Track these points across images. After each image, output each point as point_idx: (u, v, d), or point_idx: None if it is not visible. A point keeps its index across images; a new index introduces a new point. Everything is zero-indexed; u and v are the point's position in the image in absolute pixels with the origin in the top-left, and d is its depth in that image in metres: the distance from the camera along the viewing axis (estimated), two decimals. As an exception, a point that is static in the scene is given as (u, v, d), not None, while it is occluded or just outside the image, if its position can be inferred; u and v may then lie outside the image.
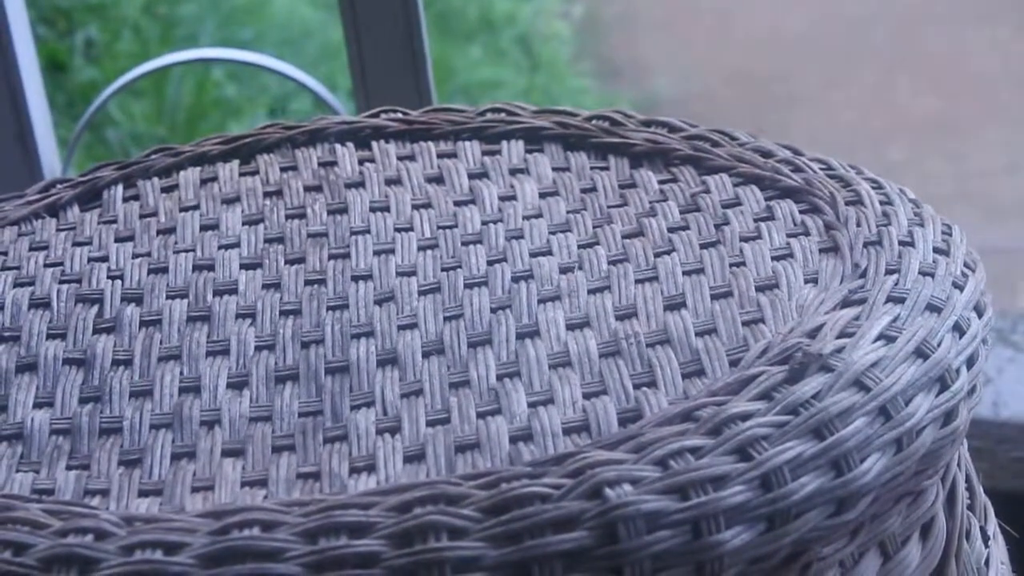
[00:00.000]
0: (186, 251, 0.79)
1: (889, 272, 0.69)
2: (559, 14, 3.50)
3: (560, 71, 3.18)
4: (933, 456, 0.64)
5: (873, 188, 0.77)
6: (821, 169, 0.80)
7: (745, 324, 0.68)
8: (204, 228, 0.81)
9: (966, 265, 0.71)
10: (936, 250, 0.71)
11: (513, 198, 0.81)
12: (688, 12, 3.65)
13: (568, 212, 0.79)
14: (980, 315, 0.69)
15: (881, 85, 3.34)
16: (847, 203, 0.76)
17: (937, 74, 3.40)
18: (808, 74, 3.39)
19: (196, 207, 0.83)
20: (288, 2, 3.11)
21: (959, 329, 0.67)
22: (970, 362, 0.66)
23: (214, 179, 0.86)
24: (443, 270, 0.75)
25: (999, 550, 0.75)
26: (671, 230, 0.76)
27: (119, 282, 0.77)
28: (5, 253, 0.81)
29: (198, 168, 0.88)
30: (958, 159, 3.05)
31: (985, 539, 0.73)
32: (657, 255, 0.74)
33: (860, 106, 3.25)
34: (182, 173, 0.87)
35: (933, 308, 0.67)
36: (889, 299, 0.67)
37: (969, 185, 2.97)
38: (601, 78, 3.22)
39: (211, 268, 0.77)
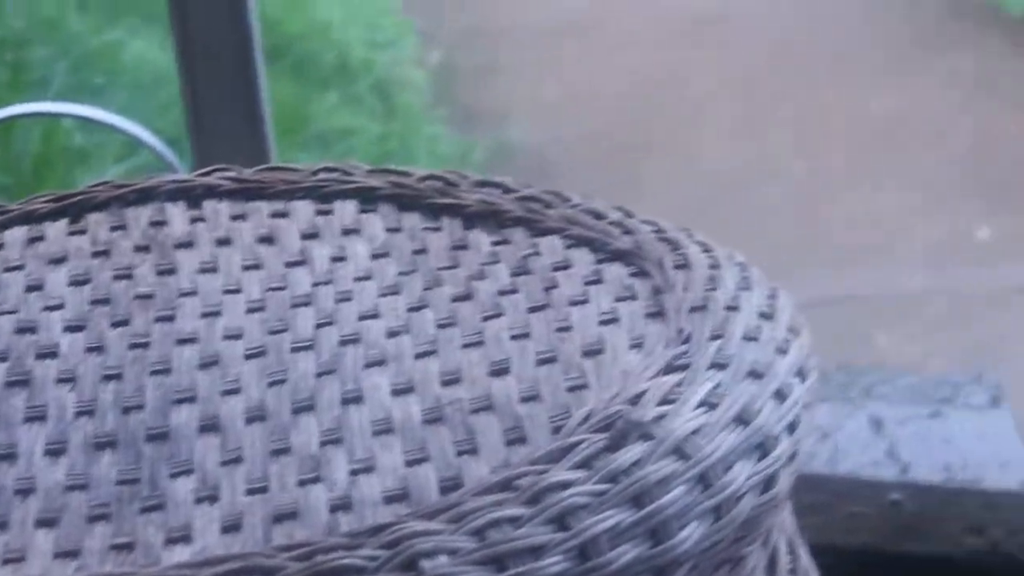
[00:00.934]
0: (8, 313, 0.78)
1: (713, 337, 0.69)
2: (416, 61, 3.51)
3: (416, 118, 3.18)
4: (753, 523, 0.64)
5: (702, 251, 0.78)
6: (652, 231, 0.80)
7: (569, 390, 0.68)
8: (29, 289, 0.80)
9: (790, 329, 0.72)
10: (761, 315, 0.72)
11: (344, 259, 0.81)
12: (546, 61, 3.67)
13: (398, 274, 0.79)
14: (803, 380, 0.69)
15: (736, 134, 3.38)
16: (675, 267, 0.76)
17: (792, 123, 3.45)
18: (664, 123, 3.42)
19: (21, 267, 0.82)
20: (141, 47, 3.08)
21: (781, 395, 0.67)
22: (791, 428, 0.67)
23: (41, 238, 0.85)
24: (270, 333, 0.74)
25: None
26: (500, 293, 0.76)
27: (-63, 344, 0.75)
28: None
29: (25, 227, 0.86)
30: (812, 207, 3.09)
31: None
32: (485, 319, 0.74)
33: (716, 154, 3.28)
34: (8, 232, 0.85)
35: (755, 374, 0.67)
36: (712, 365, 0.67)
37: (823, 233, 3.01)
38: (457, 125, 3.23)
39: (33, 330, 0.76)
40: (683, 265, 0.76)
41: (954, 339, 2.65)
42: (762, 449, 0.64)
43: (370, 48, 3.40)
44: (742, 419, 0.64)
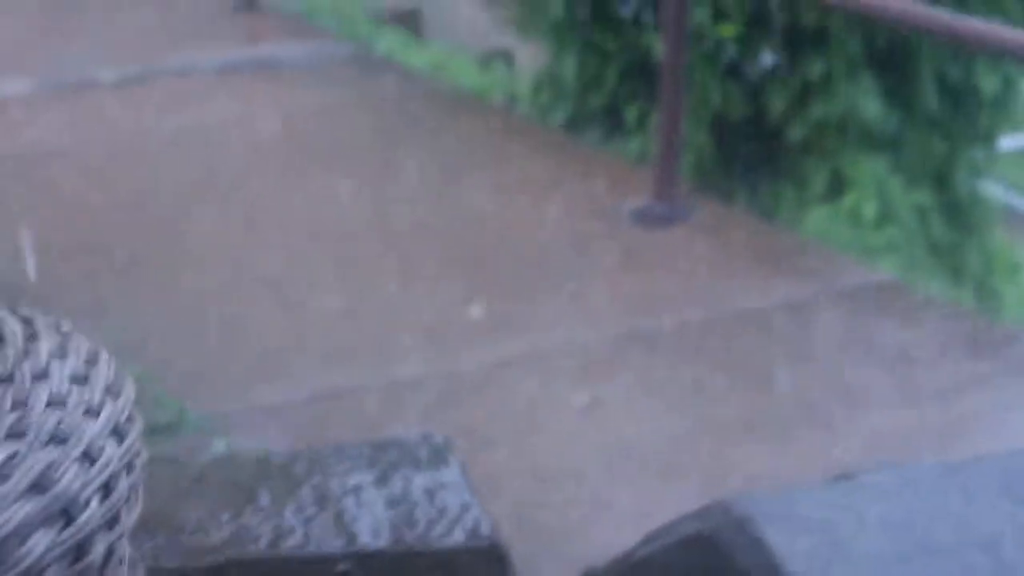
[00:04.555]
0: None
1: (14, 408, 0.65)
2: None
3: None
4: (67, 597, 0.59)
5: (21, 325, 0.73)
6: (-30, 313, 0.75)
7: None
8: None
9: (107, 392, 0.68)
10: (73, 380, 0.68)
11: None
12: (20, 190, 3.56)
13: None
14: (120, 441, 0.65)
15: (220, 242, 3.34)
16: (-15, 345, 0.71)
17: (275, 225, 3.44)
18: (150, 237, 3.36)
19: None
20: None
21: (89, 458, 0.63)
22: (106, 490, 0.63)
23: None
24: None
25: None
26: None
27: None
28: None
29: None
30: (299, 306, 3.08)
31: None
32: None
33: (201, 265, 3.24)
34: None
35: (58, 439, 0.63)
36: (10, 435, 0.63)
37: (312, 331, 3.00)
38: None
39: None
40: (-5, 342, 0.71)
41: (448, 419, 2.67)
42: (67, 515, 0.60)
43: None
44: (39, 486, 0.60)
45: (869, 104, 4.00)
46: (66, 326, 0.74)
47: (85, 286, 3.09)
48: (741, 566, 1.04)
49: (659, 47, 3.76)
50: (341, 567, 1.23)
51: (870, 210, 3.97)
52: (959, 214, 4.20)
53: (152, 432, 2.54)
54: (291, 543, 1.24)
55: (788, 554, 1.02)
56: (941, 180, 4.19)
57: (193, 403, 2.71)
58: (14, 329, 0.72)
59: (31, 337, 0.72)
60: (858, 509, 1.05)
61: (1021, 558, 1.00)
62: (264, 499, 1.27)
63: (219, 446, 2.52)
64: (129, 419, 0.68)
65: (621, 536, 1.35)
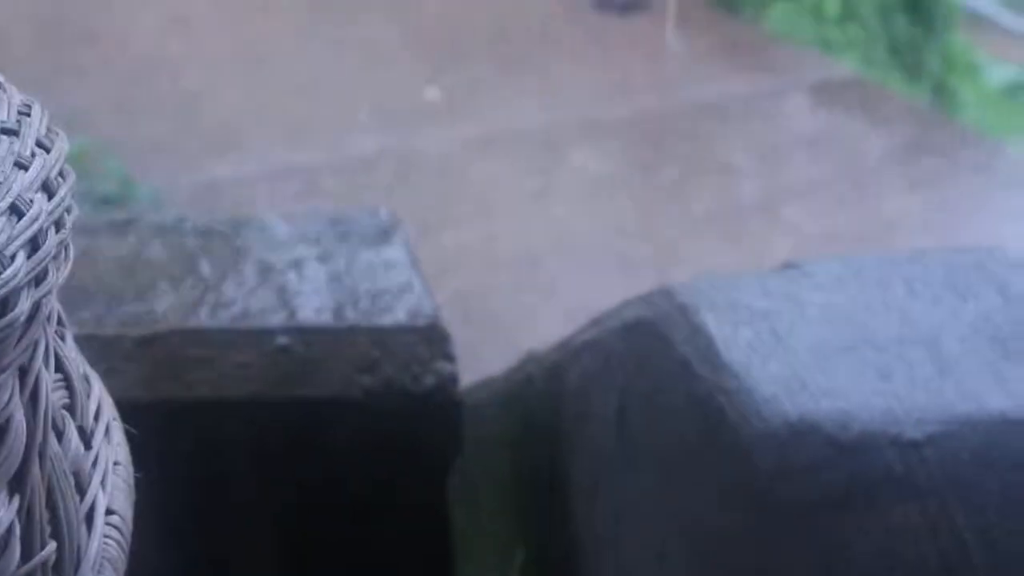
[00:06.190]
0: None
1: (-58, 160, 0.63)
2: None
3: None
4: (-11, 353, 0.58)
5: (-47, 76, 0.71)
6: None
7: None
8: None
9: (39, 144, 0.66)
10: (3, 131, 0.66)
11: None
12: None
13: None
14: (50, 196, 0.64)
15: (179, 11, 3.29)
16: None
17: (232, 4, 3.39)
18: (106, 9, 3.31)
19: None
20: None
21: (17, 211, 0.61)
22: (33, 245, 0.61)
23: None
24: None
25: (113, 451, 0.71)
26: None
27: None
28: None
29: None
30: (251, 83, 3.05)
31: (86, 440, 0.68)
32: None
33: (155, 39, 3.19)
34: None
35: (-15, 192, 0.61)
36: (-65, 189, 0.61)
37: (266, 106, 2.97)
38: None
39: None
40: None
41: (399, 201, 2.66)
42: (-14, 272, 0.59)
43: None
44: (-35, 239, 0.58)
45: None
46: (1, 79, 0.72)
47: (35, 58, 3.04)
48: (680, 353, 1.04)
49: None
50: (280, 341, 1.22)
51: (833, 6, 3.94)
52: (921, 13, 4.17)
53: (99, 203, 2.52)
54: (231, 314, 1.23)
55: (728, 343, 1.02)
56: (906, -22, 4.15)
57: (142, 176, 2.69)
58: (-56, 79, 0.70)
59: (-39, 88, 0.70)
60: (800, 299, 1.04)
61: (960, 353, 1.00)
62: (205, 269, 1.26)
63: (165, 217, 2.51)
64: (61, 174, 0.66)
65: (568, 324, 1.35)
